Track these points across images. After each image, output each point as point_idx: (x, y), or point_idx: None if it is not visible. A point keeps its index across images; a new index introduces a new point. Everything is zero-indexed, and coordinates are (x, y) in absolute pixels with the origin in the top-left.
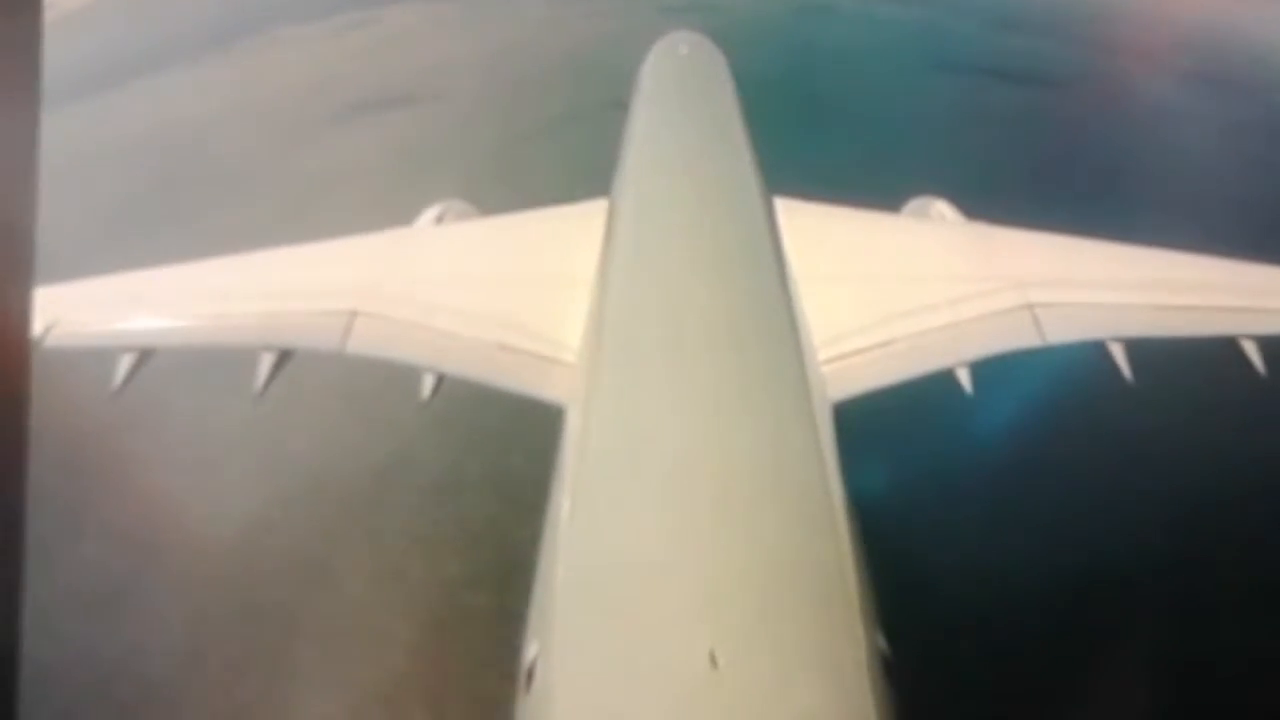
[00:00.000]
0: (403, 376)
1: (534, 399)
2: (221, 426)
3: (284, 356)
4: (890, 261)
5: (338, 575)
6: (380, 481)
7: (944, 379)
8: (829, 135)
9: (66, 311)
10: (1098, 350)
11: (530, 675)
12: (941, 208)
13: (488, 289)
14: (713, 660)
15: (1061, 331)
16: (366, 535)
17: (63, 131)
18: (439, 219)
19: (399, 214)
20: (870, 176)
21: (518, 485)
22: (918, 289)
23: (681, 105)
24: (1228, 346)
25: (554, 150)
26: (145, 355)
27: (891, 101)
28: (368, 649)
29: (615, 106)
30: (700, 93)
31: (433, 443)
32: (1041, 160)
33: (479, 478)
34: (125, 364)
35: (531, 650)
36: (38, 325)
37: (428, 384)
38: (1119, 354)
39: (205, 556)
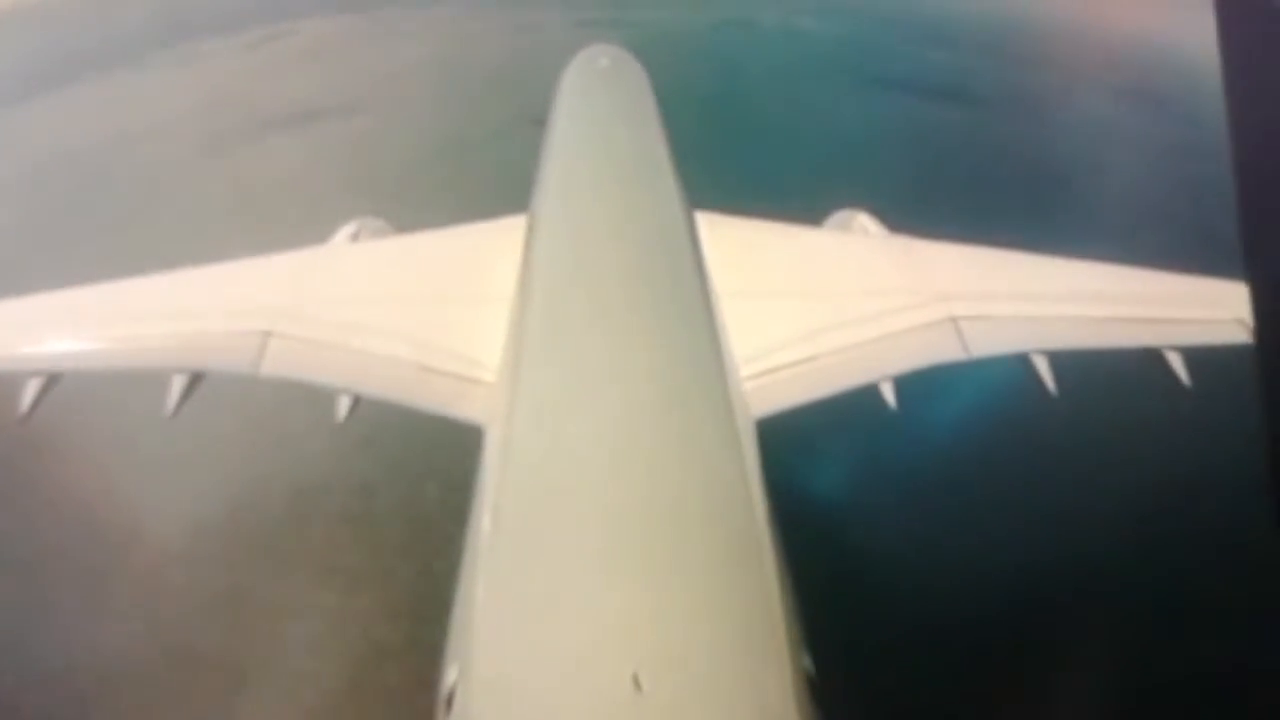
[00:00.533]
0: (313, 398)
1: (451, 420)
2: (133, 450)
3: (195, 378)
4: (813, 276)
5: (247, 609)
6: (291, 510)
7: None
8: (751, 151)
9: None
10: (1023, 364)
11: (450, 700)
12: (864, 220)
13: (404, 307)
14: (636, 684)
15: (985, 344)
16: (277, 566)
17: None
18: (354, 236)
19: (315, 231)
20: (793, 191)
21: (432, 515)
22: (841, 303)
23: (602, 118)
24: (1152, 358)
25: (472, 167)
26: (53, 379)
27: (814, 117)
28: (281, 687)
29: (533, 123)
30: (621, 106)
31: (345, 470)
32: (967, 177)
33: (393, 507)
34: (32, 388)
35: (451, 674)
36: None
37: (343, 405)
38: (1043, 367)
39: (110, 590)
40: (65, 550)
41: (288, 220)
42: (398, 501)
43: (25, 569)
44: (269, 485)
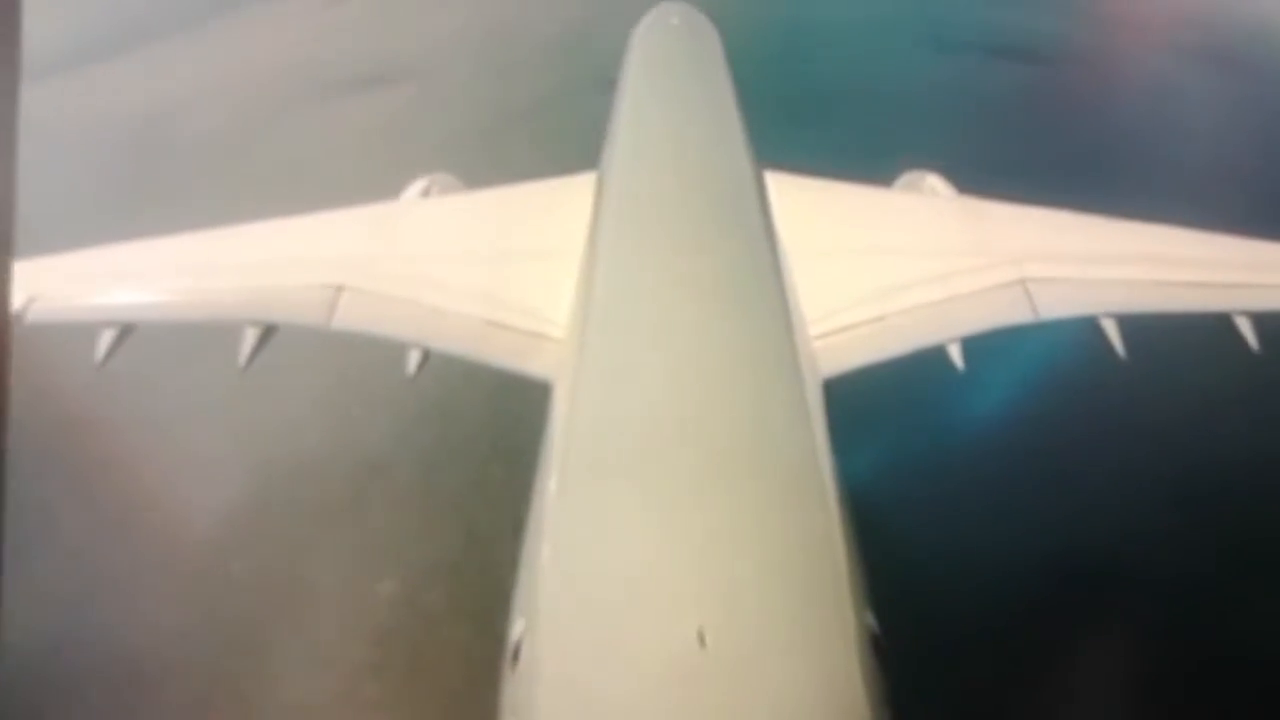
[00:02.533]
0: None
1: (520, 376)
2: (200, 411)
3: (268, 331)
4: (882, 236)
5: (305, 600)
6: (357, 490)
7: (936, 355)
8: (819, 112)
9: (47, 286)
10: (1091, 328)
11: (516, 653)
12: (934, 182)
13: (474, 263)
14: (700, 639)
15: (1055, 307)
16: (339, 551)
17: (36, 107)
18: (425, 192)
19: (381, 195)
20: (862, 153)
21: (498, 498)
22: (910, 264)
23: (672, 77)
24: (1222, 323)
25: (541, 132)
26: (127, 330)
27: (883, 78)
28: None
29: (603, 87)
30: (691, 64)
31: (409, 448)
32: (1037, 138)
33: (458, 488)
34: (107, 339)
35: (518, 628)
36: (17, 299)
37: (414, 360)
38: (1112, 331)
39: (162, 580)
40: (125, 525)
41: (350, 184)
42: (462, 484)
43: (91, 529)
44: (332, 463)
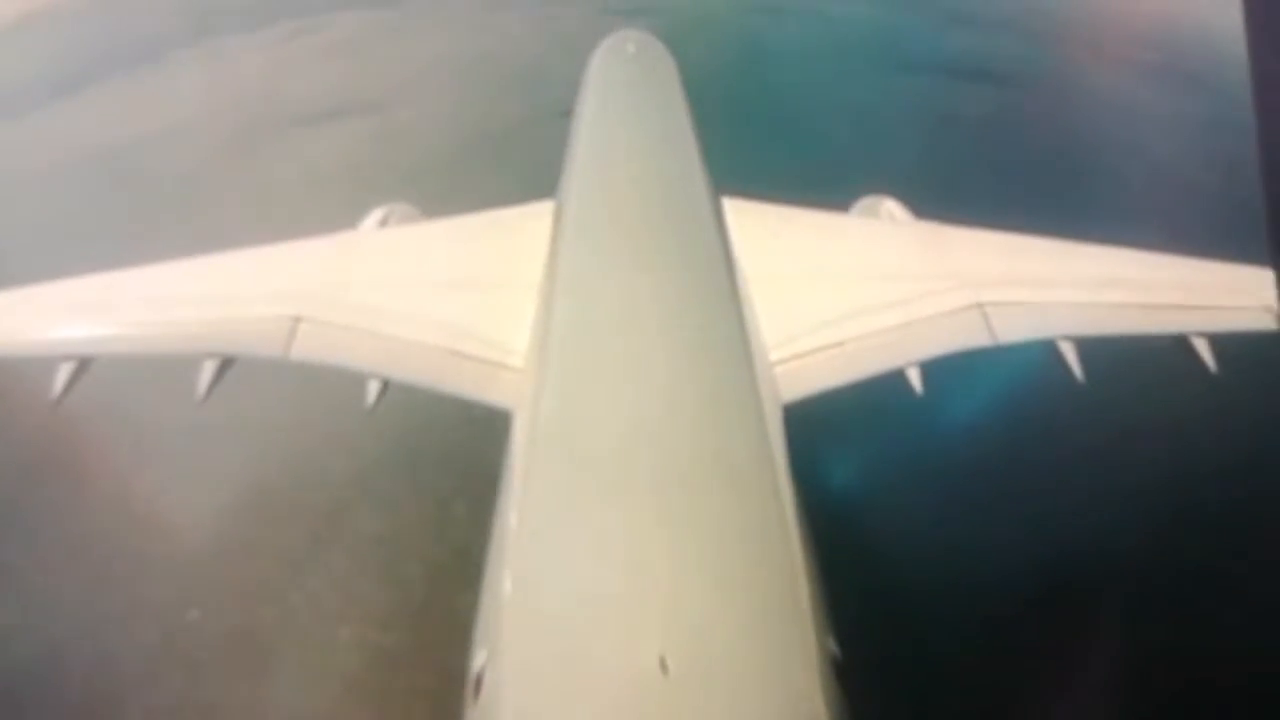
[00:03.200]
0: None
1: (480, 406)
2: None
3: (226, 363)
4: (840, 261)
5: (266, 646)
6: (313, 533)
7: (900, 378)
8: (777, 136)
9: (3, 319)
10: (1049, 351)
11: (479, 683)
12: (891, 207)
13: (433, 292)
14: (663, 666)
15: (1012, 331)
16: (301, 595)
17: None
18: (383, 222)
19: (345, 225)
20: (819, 176)
21: (460, 537)
22: (868, 289)
23: (629, 104)
24: (1180, 344)
25: (502, 160)
26: (85, 363)
27: (841, 101)
28: None
29: (560, 115)
30: (647, 91)
31: (370, 490)
32: (994, 159)
33: (417, 526)
34: (65, 372)
35: (480, 658)
36: None
37: (373, 390)
38: (1070, 354)
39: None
40: (110, 534)
41: (313, 215)
42: (420, 522)
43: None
44: (295, 501)
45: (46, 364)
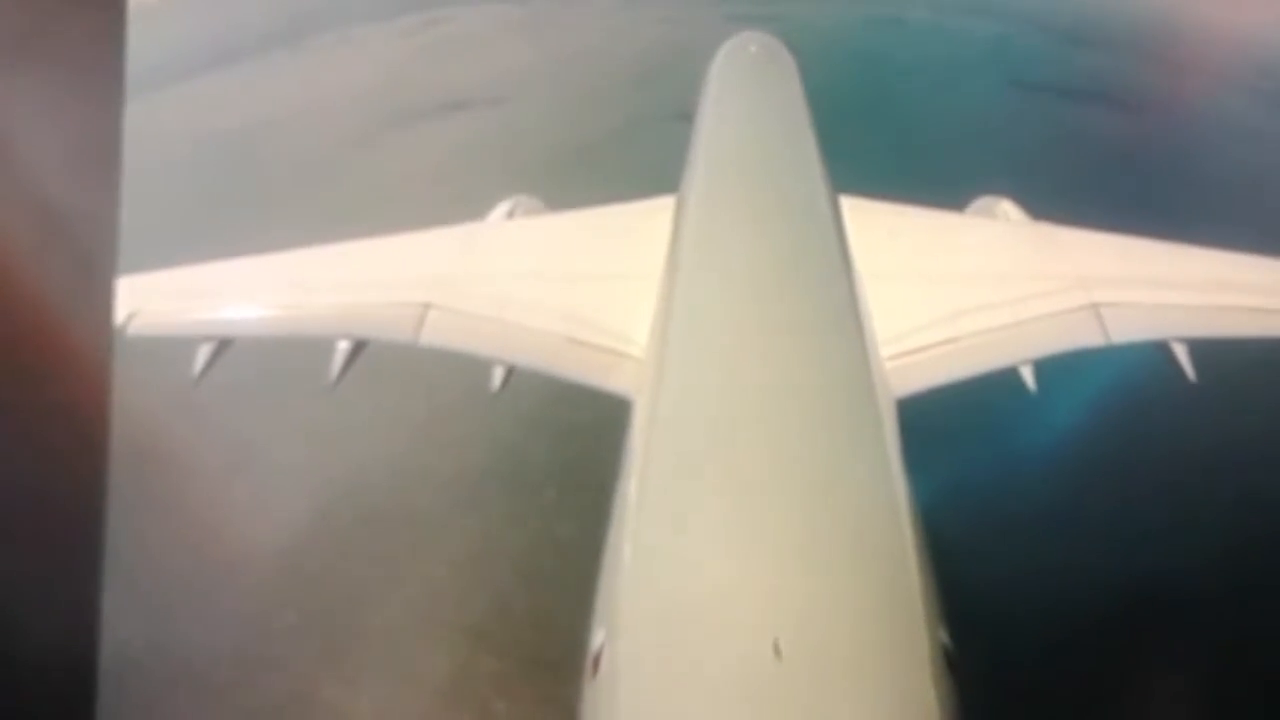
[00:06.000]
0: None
1: (601, 392)
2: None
3: (358, 347)
4: (955, 259)
5: (351, 672)
6: (409, 550)
7: (1007, 378)
8: (895, 145)
9: (147, 301)
10: (1161, 352)
11: (596, 662)
12: (1006, 207)
13: (557, 283)
14: (776, 651)
15: (1125, 331)
16: (383, 623)
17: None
18: (510, 214)
19: (462, 217)
20: (936, 182)
21: (566, 558)
22: (982, 287)
23: (750, 103)
24: None
25: (617, 162)
26: (223, 344)
27: (959, 114)
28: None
29: (680, 118)
30: (769, 91)
31: (464, 511)
32: (1109, 174)
33: (521, 549)
34: (204, 353)
35: (598, 637)
36: (120, 314)
37: (497, 376)
38: (1182, 355)
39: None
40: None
41: (430, 207)
42: (527, 544)
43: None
44: (386, 517)
45: (178, 345)
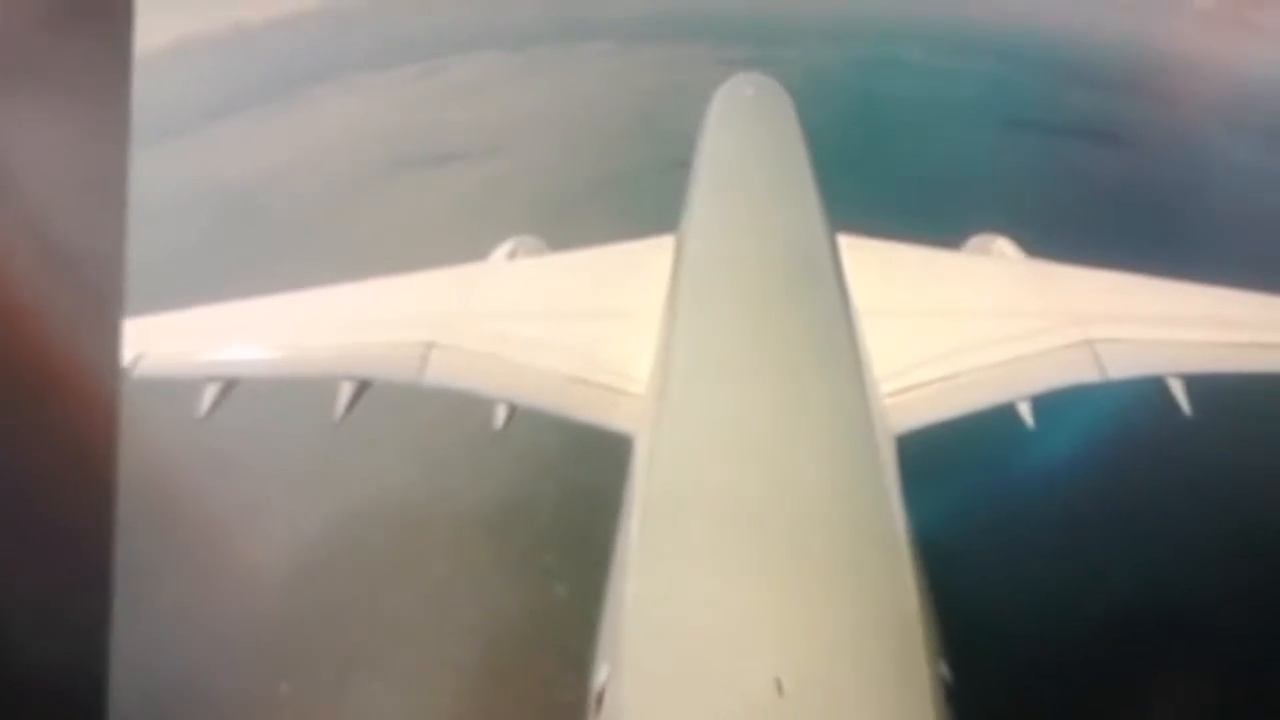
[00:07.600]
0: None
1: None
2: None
3: (362, 386)
4: (952, 296)
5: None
6: (411, 619)
7: (1005, 413)
8: (891, 184)
9: (154, 342)
10: (1156, 386)
11: (600, 698)
12: (1002, 245)
13: (559, 322)
14: (779, 687)
15: (1122, 367)
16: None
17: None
18: (511, 254)
19: (462, 262)
20: (932, 221)
21: (562, 625)
22: (979, 324)
23: (748, 142)
24: None
25: (616, 208)
26: (229, 385)
27: (955, 153)
28: None
29: (677, 166)
30: (766, 131)
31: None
32: (1104, 211)
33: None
34: (210, 393)
35: (602, 673)
36: (127, 355)
37: (500, 415)
38: (1178, 390)
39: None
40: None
41: (433, 253)
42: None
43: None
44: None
45: (185, 386)
